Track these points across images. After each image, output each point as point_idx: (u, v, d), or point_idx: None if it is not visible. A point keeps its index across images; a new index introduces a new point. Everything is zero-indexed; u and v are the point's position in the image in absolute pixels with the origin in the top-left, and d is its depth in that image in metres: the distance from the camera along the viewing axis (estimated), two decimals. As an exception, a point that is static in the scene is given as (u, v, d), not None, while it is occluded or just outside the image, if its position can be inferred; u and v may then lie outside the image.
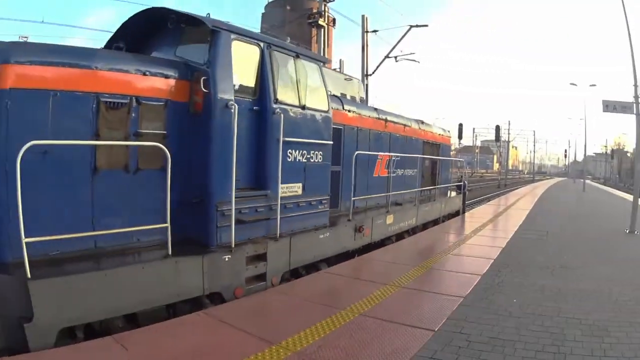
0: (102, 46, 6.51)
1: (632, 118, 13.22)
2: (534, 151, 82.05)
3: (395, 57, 19.41)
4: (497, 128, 44.32)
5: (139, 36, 6.53)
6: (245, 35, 6.12)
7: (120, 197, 5.07)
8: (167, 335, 4.24)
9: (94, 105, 4.80)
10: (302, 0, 62.21)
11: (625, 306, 5.75)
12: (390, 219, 9.65)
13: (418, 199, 11.82)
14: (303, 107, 6.88)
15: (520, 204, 20.97)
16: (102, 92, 4.84)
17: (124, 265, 4.73)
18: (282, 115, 6.31)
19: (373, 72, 18.94)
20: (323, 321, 4.73)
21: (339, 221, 8.07)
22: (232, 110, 5.54)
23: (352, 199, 8.59)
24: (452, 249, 9.24)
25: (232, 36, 5.87)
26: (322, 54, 14.53)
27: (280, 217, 6.38)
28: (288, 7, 65.91)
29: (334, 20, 18.03)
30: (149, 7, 6.31)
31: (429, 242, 10.26)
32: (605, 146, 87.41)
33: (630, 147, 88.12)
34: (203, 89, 5.47)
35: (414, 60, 20.23)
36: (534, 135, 75.77)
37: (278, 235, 6.36)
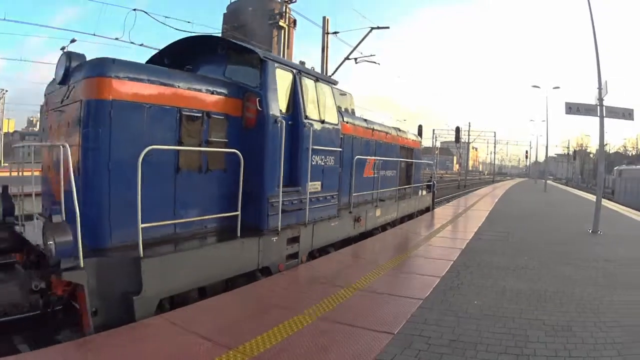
0: (148, 59, 8.20)
1: (594, 120, 13.76)
2: (495, 152, 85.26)
3: (356, 59, 20.08)
4: (457, 129, 46.55)
5: (187, 54, 8.10)
6: (283, 63, 7.85)
7: (194, 192, 6.41)
8: (128, 340, 4.38)
9: (177, 118, 6.13)
10: (264, 2, 63.46)
11: (589, 306, 5.88)
12: (378, 212, 11.89)
13: (397, 196, 14.14)
14: (322, 122, 8.71)
15: (480, 205, 21.54)
16: (183, 107, 6.19)
17: (204, 246, 6.21)
18: (310, 128, 8.10)
19: (333, 74, 19.35)
20: (281, 325, 4.80)
21: (341, 213, 9.81)
22: (279, 125, 7.25)
23: (353, 194, 10.48)
24: (412, 251, 9.40)
25: (276, 65, 7.51)
26: (281, 55, 15.36)
27: (308, 208, 8.18)
28: (250, 8, 66.86)
29: (294, 21, 18.37)
30: (206, 34, 8.73)
31: (389, 243, 10.58)
32: (567, 147, 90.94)
33: (593, 147, 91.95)
34: (258, 108, 7.08)
35: (374, 62, 20.88)
36: (495, 136, 78.82)
37: (307, 222, 8.20)
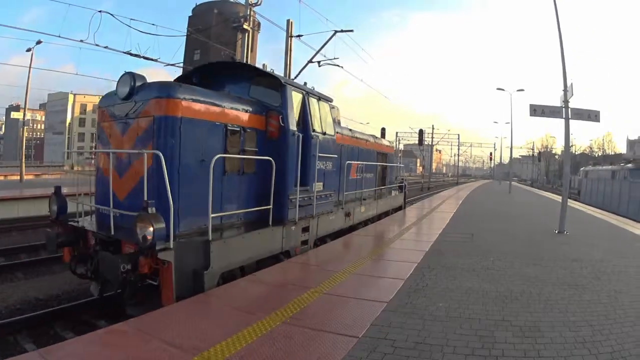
0: (180, 75, 10.64)
1: (561, 121, 14.29)
2: (458, 154, 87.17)
3: (319, 62, 20.72)
4: (421, 132, 48.84)
5: (215, 75, 10.03)
6: (296, 86, 9.94)
7: (234, 190, 8.19)
8: (93, 345, 4.62)
9: (224, 131, 7.86)
10: (229, 4, 63.96)
11: (556, 306, 6.06)
12: (363, 209, 14.22)
13: (375, 196, 16.45)
14: (324, 134, 10.71)
15: (444, 207, 21.99)
16: (228, 123, 7.95)
17: (250, 232, 8.03)
18: (317, 140, 10.18)
19: (295, 77, 19.94)
20: (245, 330, 4.89)
21: (335, 209, 11.80)
22: (296, 138, 9.30)
23: (345, 193, 12.74)
24: (375, 253, 9.56)
25: (292, 88, 9.57)
26: (244, 58, 16.62)
27: (315, 204, 10.26)
28: (215, 11, 67.18)
29: (259, 24, 18.69)
30: (234, 61, 11.49)
31: (351, 246, 10.79)
32: (532, 149, 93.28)
33: (559, 149, 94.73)
34: (280, 123, 9.03)
35: (337, 65, 21.57)
36: (459, 138, 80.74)
37: (314, 215, 10.29)
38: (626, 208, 33.52)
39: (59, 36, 21.58)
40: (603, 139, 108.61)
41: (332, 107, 12.38)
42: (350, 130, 14.65)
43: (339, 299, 6.20)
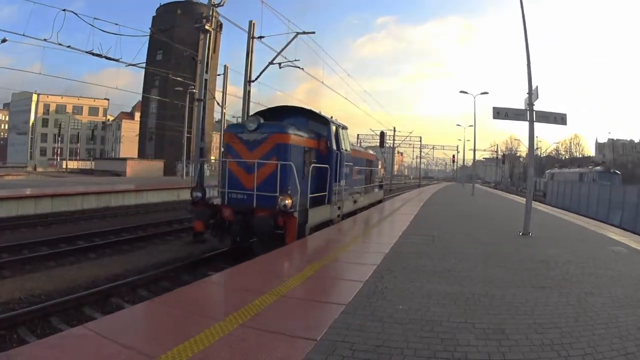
0: (257, 111, 15.81)
1: (526, 124, 14.61)
2: (420, 157, 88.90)
3: (280, 64, 21.85)
4: (382, 134, 49.63)
5: (282, 112, 15.49)
6: (334, 122, 15.47)
7: (306, 184, 12.86)
8: (53, 350, 4.59)
9: (304, 151, 13.55)
10: (193, 5, 64.54)
11: (522, 308, 6.11)
12: (362, 198, 20.23)
13: (364, 191, 21.53)
14: (346, 150, 16.25)
15: (405, 209, 22.29)
16: (305, 146, 13.60)
17: (319, 207, 13.69)
18: (344, 155, 15.70)
19: (256, 79, 21.00)
20: (202, 333, 4.91)
21: (349, 197, 17.41)
22: (335, 155, 14.80)
23: (354, 187, 18.75)
24: (334, 255, 9.59)
25: (332, 124, 15.22)
26: (205, 60, 17.84)
27: (343, 193, 15.77)
28: (179, 11, 67.33)
29: (221, 25, 19.31)
30: (297, 106, 16.72)
31: (307, 249, 10.88)
32: (496, 151, 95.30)
33: (524, 151, 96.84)
34: (328, 146, 14.66)
35: (298, 67, 22.80)
36: (420, 141, 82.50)
37: (342, 199, 15.74)
38: (595, 210, 34.65)
39: (23, 35, 22.77)
40: (570, 142, 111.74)
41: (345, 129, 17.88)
42: (352, 144, 20.19)
43: (296, 302, 6.29)
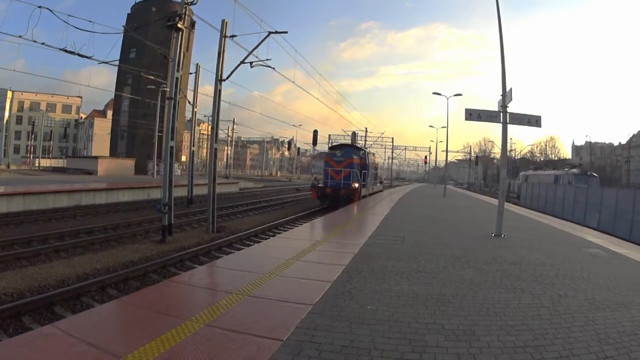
0: (330, 147, 43.46)
1: (500, 126, 14.86)
2: (392, 157, 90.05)
3: (251, 63, 21.86)
4: (354, 134, 52.46)
5: (345, 145, 39.16)
6: (365, 149, 43.83)
7: (359, 179, 32.89)
8: (21, 348, 4.66)
9: (357, 164, 33.32)
10: (168, 3, 64.85)
11: (493, 309, 6.18)
12: (373, 188, 39.75)
13: (373, 185, 39.73)
14: (371, 164, 39.66)
15: (376, 209, 22.53)
16: (357, 162, 33.04)
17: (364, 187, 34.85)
18: (370, 166, 38.04)
19: (227, 77, 20.93)
20: (169, 333, 4.98)
21: (370, 187, 37.88)
22: (367, 166, 35.77)
23: (376, 183, 45.09)
24: (302, 256, 9.55)
25: (366, 151, 41.27)
26: (177, 57, 17.20)
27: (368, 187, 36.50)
28: (154, 9, 67.40)
29: (194, 23, 19.09)
30: (352, 144, 45.34)
31: (275, 249, 10.85)
32: (470, 153, 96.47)
33: (498, 153, 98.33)
34: (366, 162, 35.89)
35: (270, 67, 23.01)
36: (392, 142, 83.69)
37: (368, 191, 36.73)
38: (571, 212, 35.28)
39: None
40: (545, 144, 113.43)
41: (369, 150, 44.45)
42: (372, 157, 42.17)
43: (263, 302, 6.28)
